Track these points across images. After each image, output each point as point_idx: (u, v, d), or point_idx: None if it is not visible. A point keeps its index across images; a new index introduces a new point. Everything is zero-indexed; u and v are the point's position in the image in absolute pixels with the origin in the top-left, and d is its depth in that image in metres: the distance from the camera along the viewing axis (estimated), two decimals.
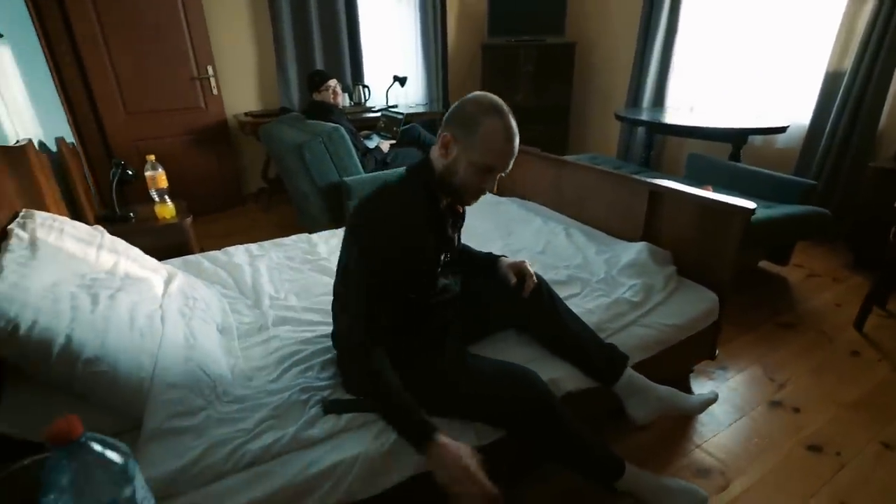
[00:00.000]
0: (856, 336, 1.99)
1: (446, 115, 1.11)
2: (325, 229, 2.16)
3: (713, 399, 1.43)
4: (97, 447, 0.49)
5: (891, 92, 2.65)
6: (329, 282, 1.68)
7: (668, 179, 2.72)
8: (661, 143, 3.86)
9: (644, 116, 3.37)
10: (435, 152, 1.12)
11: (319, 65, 3.68)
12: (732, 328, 2.02)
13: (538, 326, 1.35)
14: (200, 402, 1.07)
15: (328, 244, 1.99)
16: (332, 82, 2.92)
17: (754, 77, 3.32)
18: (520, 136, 1.11)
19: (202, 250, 1.98)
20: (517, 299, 1.34)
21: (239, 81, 3.59)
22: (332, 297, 1.28)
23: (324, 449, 1.02)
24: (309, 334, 1.40)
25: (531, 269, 1.37)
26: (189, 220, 2.19)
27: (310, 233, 2.09)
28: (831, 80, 2.85)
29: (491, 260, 1.42)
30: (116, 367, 0.99)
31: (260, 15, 3.50)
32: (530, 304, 1.35)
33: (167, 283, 1.43)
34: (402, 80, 3.78)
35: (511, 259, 1.41)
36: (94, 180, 2.82)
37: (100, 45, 2.96)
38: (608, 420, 1.35)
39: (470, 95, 1.10)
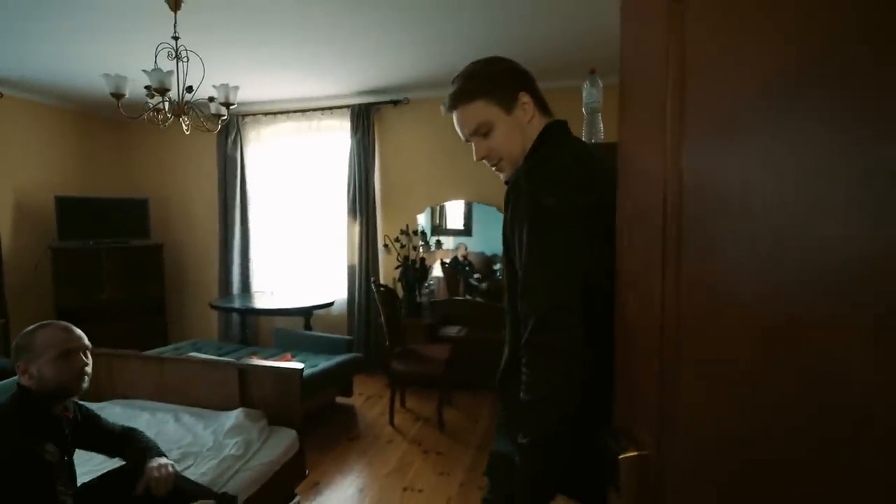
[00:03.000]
0: (390, 430, 3.15)
1: (12, 358, 1.45)
2: None
3: None
4: None
5: (381, 275, 4.44)
6: None
7: (261, 352, 3.48)
8: (255, 321, 4.69)
9: (236, 304, 4.14)
10: (24, 382, 1.41)
11: None
12: (320, 453, 2.79)
13: None
14: None
15: None
16: None
17: (314, 267, 4.70)
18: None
19: None
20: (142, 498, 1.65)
21: None
22: None
23: None
24: None
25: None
26: None
27: None
28: (351, 270, 4.48)
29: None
30: None
31: None
32: (151, 495, 1.67)
33: None
34: None
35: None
36: None
37: None
38: None
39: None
